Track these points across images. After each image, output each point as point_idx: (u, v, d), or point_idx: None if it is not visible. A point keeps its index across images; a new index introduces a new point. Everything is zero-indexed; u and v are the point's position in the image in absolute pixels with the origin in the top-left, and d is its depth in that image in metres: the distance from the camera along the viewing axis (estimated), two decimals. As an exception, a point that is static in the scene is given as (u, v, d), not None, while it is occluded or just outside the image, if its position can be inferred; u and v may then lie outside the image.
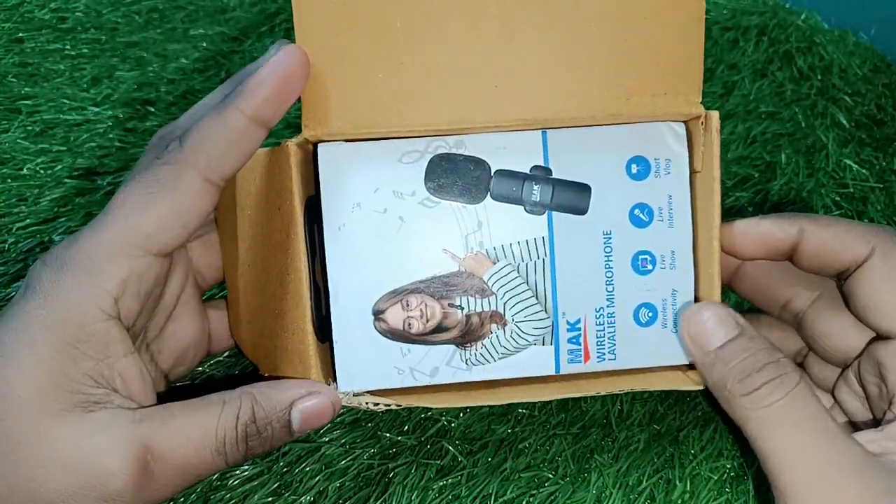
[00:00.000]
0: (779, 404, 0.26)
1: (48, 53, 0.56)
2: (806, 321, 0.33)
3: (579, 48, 0.27)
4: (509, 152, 0.29)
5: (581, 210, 0.30)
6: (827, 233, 0.29)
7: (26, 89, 0.53)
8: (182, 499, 0.37)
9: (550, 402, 0.41)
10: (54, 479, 0.24)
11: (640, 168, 0.30)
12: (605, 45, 0.27)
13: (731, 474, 0.39)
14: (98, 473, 0.25)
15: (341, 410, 0.41)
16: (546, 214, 0.30)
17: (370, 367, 0.32)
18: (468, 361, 0.32)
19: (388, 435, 0.40)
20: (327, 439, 0.40)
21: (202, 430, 0.27)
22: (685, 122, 0.29)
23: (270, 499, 0.38)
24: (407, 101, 0.28)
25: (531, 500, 0.38)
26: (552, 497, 0.38)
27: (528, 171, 0.29)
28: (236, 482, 0.38)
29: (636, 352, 0.32)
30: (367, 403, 0.32)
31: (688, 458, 0.40)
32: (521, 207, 0.30)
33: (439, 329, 0.31)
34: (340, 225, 0.30)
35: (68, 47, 0.57)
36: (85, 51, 0.57)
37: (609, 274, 0.30)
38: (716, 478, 0.39)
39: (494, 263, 0.30)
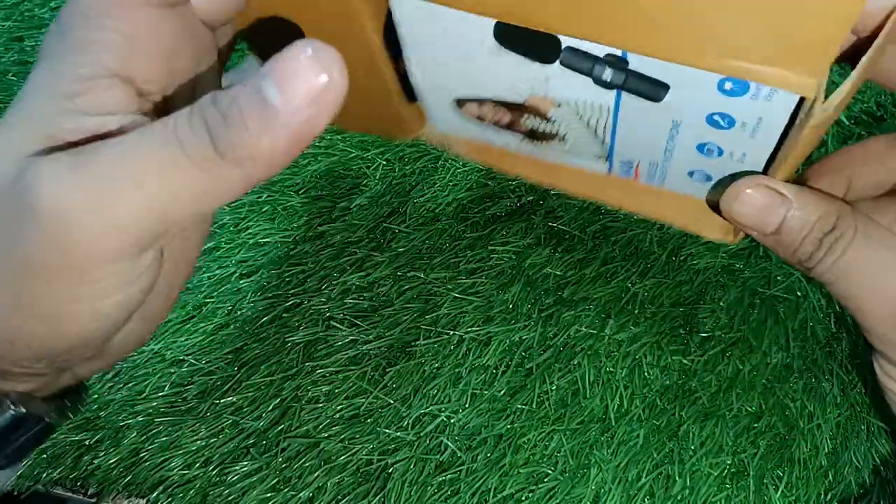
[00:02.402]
0: (844, 259, 0.26)
1: (48, 52, 0.56)
2: None
3: None
4: (582, 44, 0.26)
5: (654, 99, 0.27)
6: None
7: (26, 87, 0.54)
8: (181, 494, 0.37)
9: (549, 394, 0.41)
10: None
11: (735, 87, 0.26)
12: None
13: (732, 470, 0.39)
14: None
15: (339, 407, 0.41)
16: (615, 91, 0.27)
17: (456, 128, 0.33)
18: (534, 149, 0.33)
19: (387, 431, 0.40)
20: (326, 435, 0.40)
21: (151, 128, 0.20)
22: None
23: (269, 494, 0.38)
24: None
25: (530, 495, 0.38)
26: (551, 493, 0.38)
27: (601, 56, 0.27)
28: (235, 478, 0.38)
29: (685, 184, 0.31)
30: (448, 144, 0.32)
31: (687, 454, 0.40)
32: (590, 79, 0.28)
33: (509, 126, 0.32)
34: (415, 43, 0.29)
35: (68, 46, 0.57)
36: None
37: (670, 146, 0.29)
38: (716, 473, 0.39)
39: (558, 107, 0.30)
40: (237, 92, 0.17)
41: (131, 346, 0.24)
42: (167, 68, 0.22)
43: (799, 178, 0.31)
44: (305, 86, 0.17)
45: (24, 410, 0.23)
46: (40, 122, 0.20)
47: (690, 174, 0.30)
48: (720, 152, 0.28)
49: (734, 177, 0.29)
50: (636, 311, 0.44)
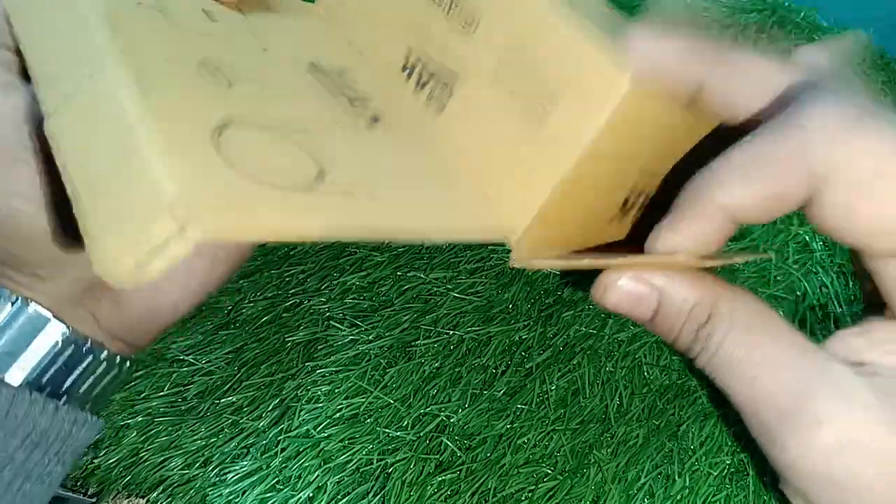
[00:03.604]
0: (718, 356, 0.24)
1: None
2: None
3: None
4: None
5: None
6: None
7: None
8: (181, 494, 0.37)
9: (548, 394, 0.41)
10: None
11: None
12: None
13: (731, 469, 0.39)
14: None
15: (339, 407, 0.41)
16: None
17: None
18: None
19: (386, 430, 0.40)
20: (326, 434, 0.40)
21: None
22: None
23: (269, 494, 0.38)
24: None
25: (530, 495, 0.38)
26: (551, 492, 0.38)
27: None
28: (235, 477, 0.38)
29: None
30: None
31: (687, 454, 0.40)
32: None
33: None
34: None
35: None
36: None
37: None
38: (715, 473, 0.39)
39: None
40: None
41: (164, 305, 0.23)
42: None
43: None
44: None
45: (51, 314, 0.22)
46: None
47: None
48: None
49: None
50: (636, 311, 0.44)
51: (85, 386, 0.24)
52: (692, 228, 0.23)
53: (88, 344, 0.24)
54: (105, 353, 0.24)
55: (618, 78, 0.21)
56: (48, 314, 0.23)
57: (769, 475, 0.39)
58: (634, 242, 0.30)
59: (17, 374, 0.23)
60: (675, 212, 0.24)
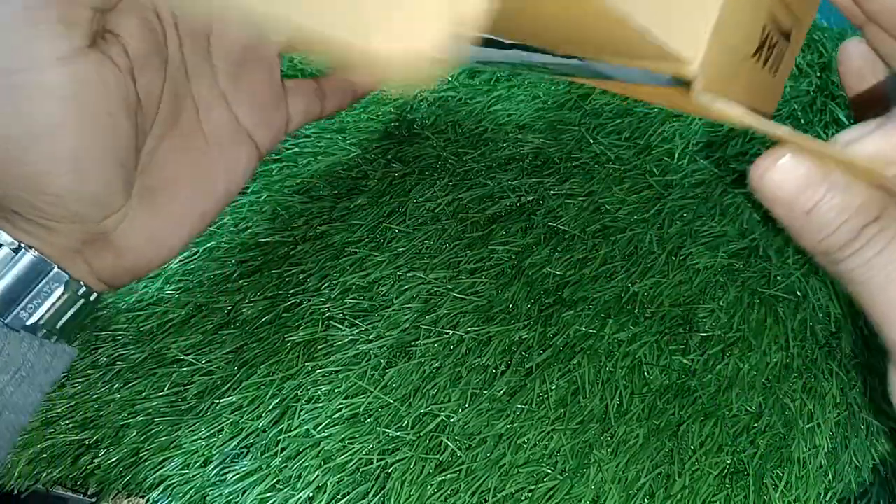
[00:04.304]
0: (881, 257, 0.22)
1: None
2: None
3: None
4: None
5: None
6: None
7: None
8: (180, 494, 0.37)
9: (548, 394, 0.41)
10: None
11: None
12: None
13: (731, 469, 0.39)
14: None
15: (339, 406, 0.41)
16: None
17: None
18: None
19: (386, 430, 0.40)
20: (326, 434, 0.40)
21: None
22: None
23: (269, 494, 0.38)
24: None
25: (530, 495, 0.38)
26: (551, 492, 0.38)
27: None
28: (234, 476, 0.38)
29: None
30: None
31: (687, 454, 0.40)
32: None
33: None
34: None
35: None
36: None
37: None
38: (715, 473, 0.39)
39: None
40: None
41: (142, 241, 0.26)
42: None
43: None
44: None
45: (37, 253, 0.25)
46: None
47: None
48: None
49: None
50: (636, 311, 0.44)
51: (63, 320, 0.26)
52: None
53: (79, 286, 0.26)
54: (83, 289, 0.26)
55: None
56: (49, 261, 0.25)
57: (784, 480, 0.39)
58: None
59: (16, 318, 0.25)
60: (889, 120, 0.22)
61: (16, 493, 0.41)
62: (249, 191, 0.52)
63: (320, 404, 0.41)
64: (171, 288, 0.47)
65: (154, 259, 0.27)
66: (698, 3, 0.21)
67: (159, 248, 0.27)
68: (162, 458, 0.40)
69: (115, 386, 0.43)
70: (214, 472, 0.39)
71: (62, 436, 0.41)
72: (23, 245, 0.25)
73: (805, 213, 0.23)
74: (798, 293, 0.45)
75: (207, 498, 0.37)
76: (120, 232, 0.26)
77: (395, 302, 0.45)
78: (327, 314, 0.45)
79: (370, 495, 0.37)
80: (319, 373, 0.42)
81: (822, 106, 0.58)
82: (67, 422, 0.42)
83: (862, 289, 0.23)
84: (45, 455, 0.41)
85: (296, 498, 0.37)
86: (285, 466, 0.38)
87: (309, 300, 0.46)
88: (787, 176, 0.23)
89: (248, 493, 0.38)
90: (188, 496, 0.38)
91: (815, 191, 0.23)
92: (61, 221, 0.24)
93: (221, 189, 0.28)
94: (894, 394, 0.25)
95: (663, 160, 0.51)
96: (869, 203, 0.23)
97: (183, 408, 0.42)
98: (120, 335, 0.45)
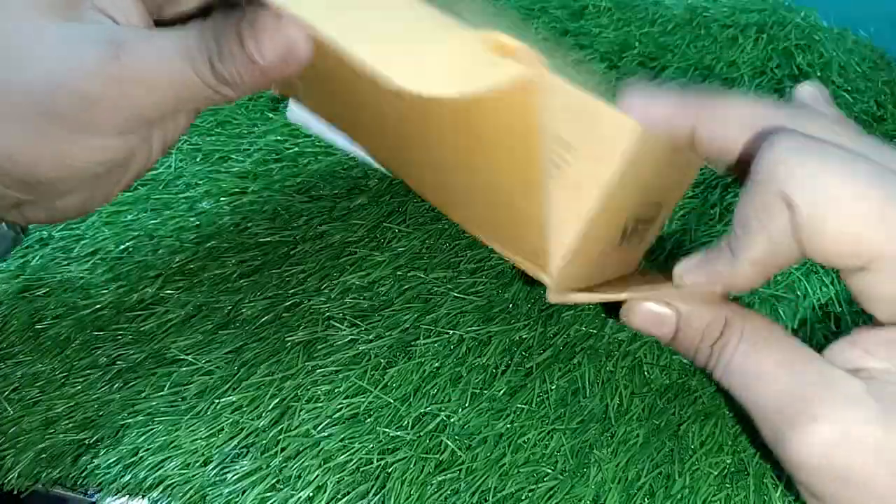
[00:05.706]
0: (731, 366, 0.26)
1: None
2: None
3: None
4: None
5: None
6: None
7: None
8: (180, 493, 0.37)
9: (549, 394, 0.41)
10: (34, 68, 0.24)
11: None
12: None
13: (732, 469, 0.39)
14: (72, 61, 0.24)
15: (339, 406, 0.41)
16: None
17: None
18: None
19: (386, 430, 0.40)
20: (326, 434, 0.40)
21: (173, 42, 0.25)
22: None
23: (269, 494, 0.38)
24: None
25: (530, 494, 0.38)
26: (551, 492, 0.38)
27: None
28: (234, 476, 0.38)
29: None
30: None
31: (687, 453, 0.40)
32: None
33: None
34: None
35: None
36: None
37: None
38: (716, 473, 0.39)
39: None
40: (229, 37, 0.23)
41: (70, 210, 0.29)
42: None
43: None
44: (280, 47, 0.22)
45: None
46: None
47: None
48: None
49: None
50: (636, 311, 0.44)
51: None
52: (721, 272, 0.27)
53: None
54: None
55: (629, 122, 0.24)
56: None
57: (785, 479, 0.39)
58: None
59: None
60: (706, 256, 0.28)
61: (16, 493, 0.41)
62: (250, 190, 0.52)
63: (320, 404, 0.41)
64: (171, 288, 0.47)
65: (90, 208, 0.30)
66: (561, 230, 0.26)
67: (95, 196, 0.29)
68: (162, 457, 0.40)
69: (115, 386, 0.43)
70: (214, 471, 0.38)
71: (62, 436, 0.41)
72: None
73: (672, 341, 0.28)
74: (798, 293, 0.45)
75: (207, 498, 0.37)
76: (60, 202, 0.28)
77: (395, 302, 0.45)
78: (327, 314, 0.45)
79: (370, 495, 0.37)
80: (319, 373, 0.42)
81: (822, 106, 0.58)
82: (67, 422, 0.42)
83: (733, 392, 0.27)
84: (44, 455, 0.41)
85: (296, 497, 0.37)
86: (285, 466, 0.38)
87: (309, 300, 0.46)
88: (645, 317, 0.28)
89: (247, 492, 0.38)
90: (188, 496, 0.38)
91: (670, 326, 0.28)
92: (11, 187, 0.27)
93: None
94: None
95: (663, 160, 0.51)
96: (713, 322, 0.27)
97: (183, 407, 0.42)
98: (120, 335, 0.45)
